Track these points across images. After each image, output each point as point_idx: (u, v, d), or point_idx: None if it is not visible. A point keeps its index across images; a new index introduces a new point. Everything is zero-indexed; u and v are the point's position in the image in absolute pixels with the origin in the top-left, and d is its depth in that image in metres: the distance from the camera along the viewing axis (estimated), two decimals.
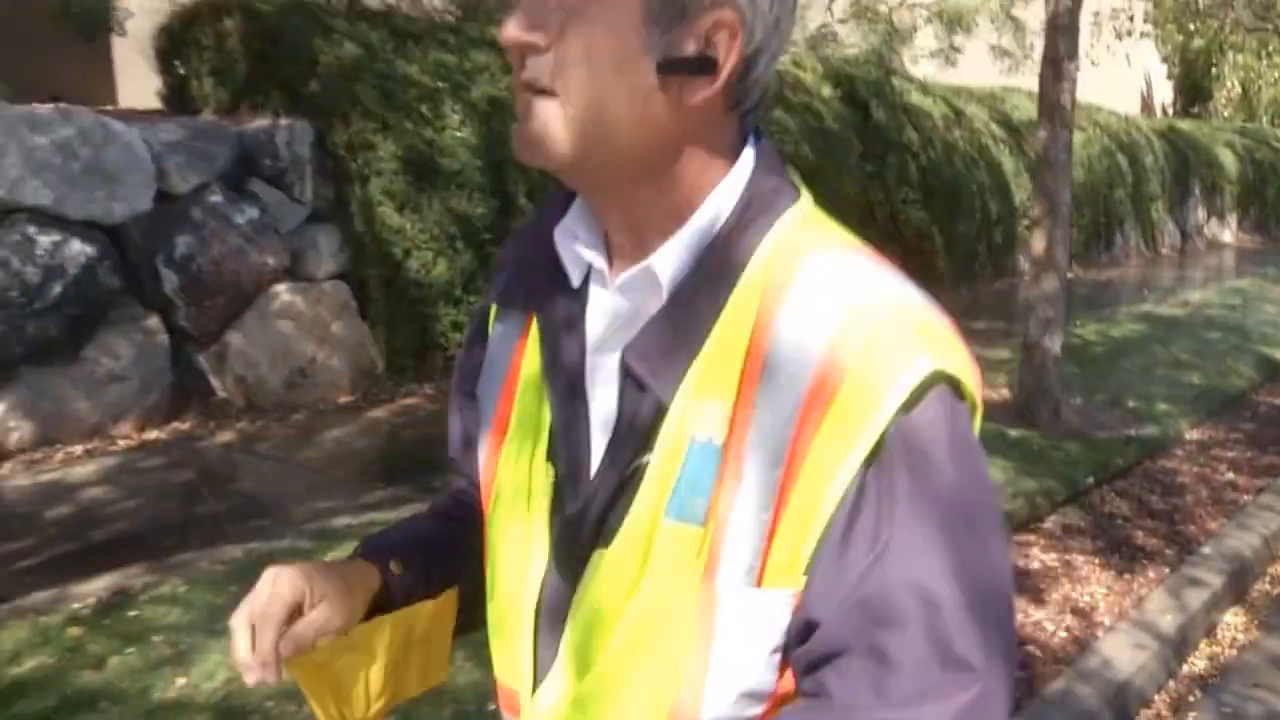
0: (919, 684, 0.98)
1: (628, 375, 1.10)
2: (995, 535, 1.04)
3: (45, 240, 6.58)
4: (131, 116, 7.56)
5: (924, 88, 14.27)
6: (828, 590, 1.02)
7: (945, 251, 13.32)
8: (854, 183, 12.07)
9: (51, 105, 6.81)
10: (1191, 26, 17.21)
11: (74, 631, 3.95)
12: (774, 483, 1.02)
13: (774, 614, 1.05)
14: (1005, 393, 8.50)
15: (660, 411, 1.07)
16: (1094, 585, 5.20)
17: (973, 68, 15.68)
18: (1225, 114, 27.44)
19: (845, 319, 1.02)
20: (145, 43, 9.14)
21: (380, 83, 7.83)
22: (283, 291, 7.60)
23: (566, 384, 1.16)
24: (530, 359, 1.21)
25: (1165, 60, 26.37)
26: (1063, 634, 4.68)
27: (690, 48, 1.03)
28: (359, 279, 7.89)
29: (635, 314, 1.11)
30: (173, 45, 8.51)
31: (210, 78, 8.27)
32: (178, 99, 8.58)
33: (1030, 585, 5.15)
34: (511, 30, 1.05)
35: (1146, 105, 26.79)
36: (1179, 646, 4.78)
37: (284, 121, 7.77)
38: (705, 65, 1.04)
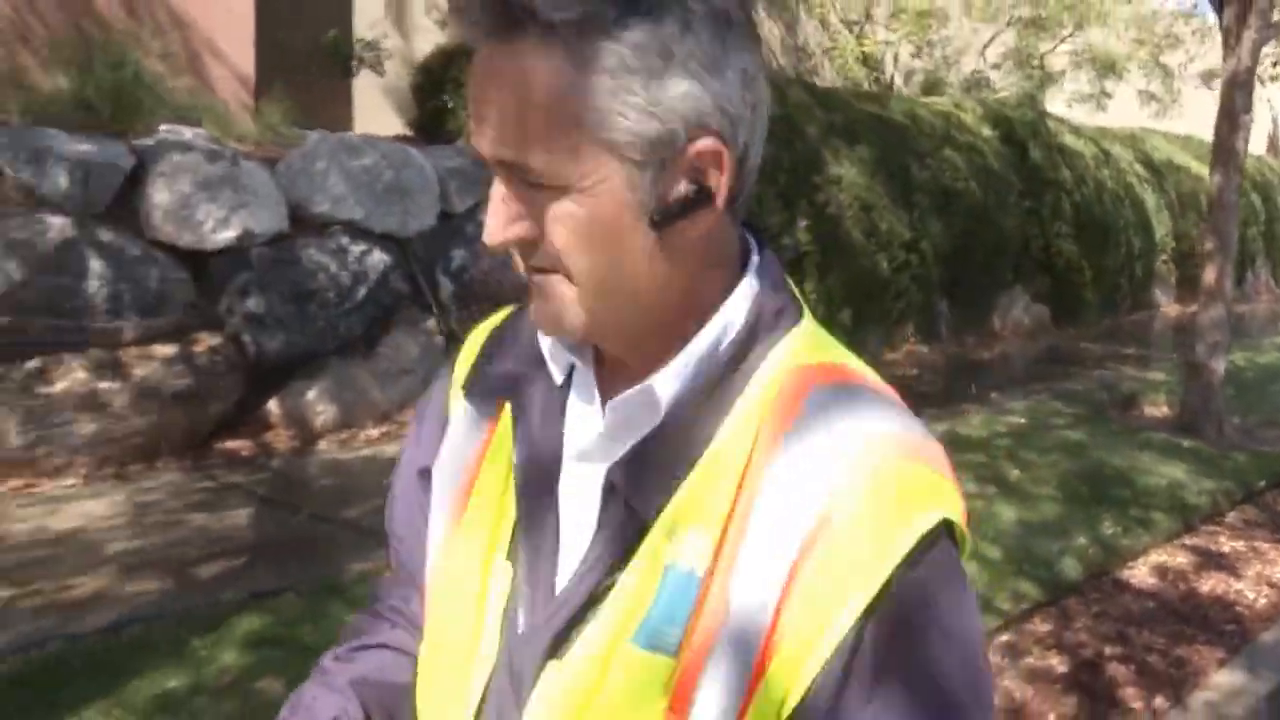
0: None
1: (612, 490, 1.05)
2: (986, 694, 1.01)
3: (355, 249, 7.72)
4: (406, 145, 8.68)
5: (1076, 129, 15.12)
6: None
7: (1092, 283, 14.15)
8: (1013, 218, 12.95)
9: (360, 134, 7.96)
10: None
11: None
12: (763, 625, 0.97)
13: None
14: (1166, 410, 9.36)
15: (641, 532, 1.02)
16: None
17: (1112, 109, 16.49)
18: None
19: (850, 463, 0.98)
20: (389, 79, 10.31)
21: None
22: None
23: (537, 484, 1.11)
24: (498, 449, 1.16)
25: None
26: (1263, 600, 5.55)
27: (681, 189, 0.98)
28: None
29: (624, 427, 1.06)
30: (431, 81, 9.64)
31: (466, 110, 9.37)
32: (430, 128, 9.69)
33: (1227, 563, 6.02)
34: (495, 236, 1.01)
35: (1273, 145, 27.27)
36: None
37: None
38: (701, 197, 0.99)
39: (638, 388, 1.04)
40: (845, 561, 0.96)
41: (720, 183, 0.99)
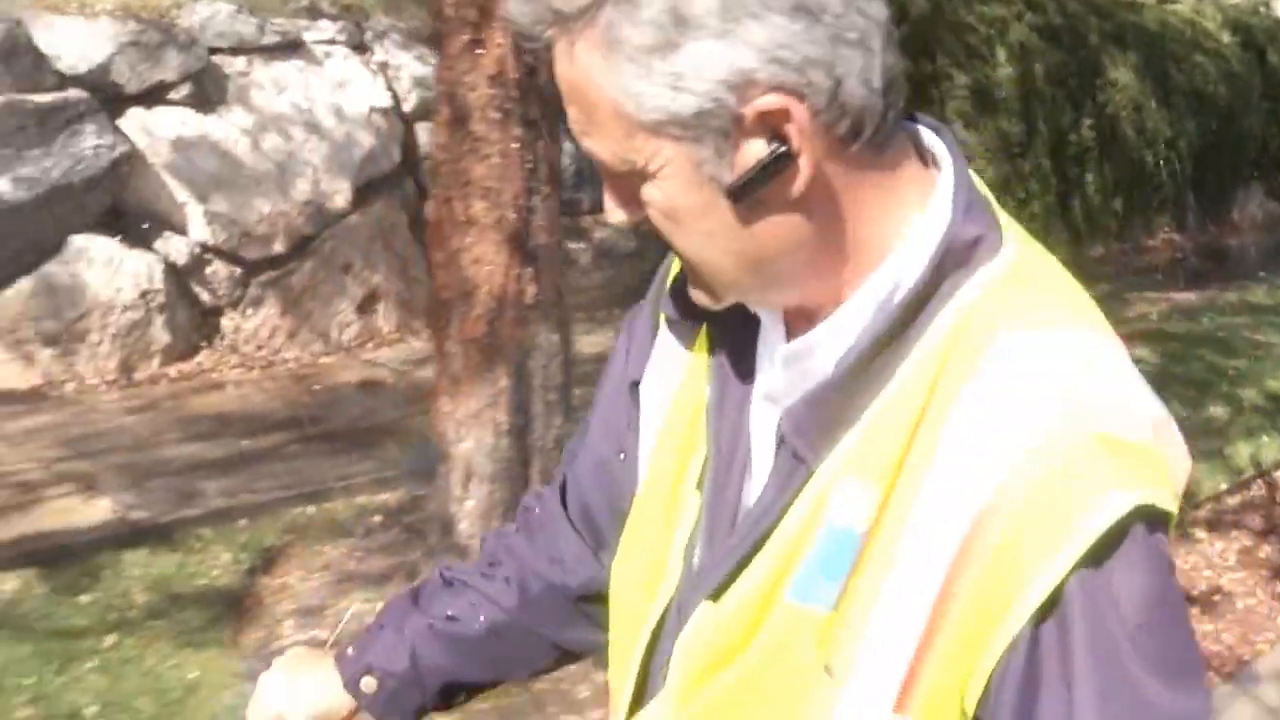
0: None
1: (783, 436, 0.97)
2: (1196, 698, 0.89)
3: None
4: None
5: None
6: None
7: None
8: (1255, 119, 14.10)
9: None
10: None
11: None
12: (928, 598, 0.89)
13: None
14: None
15: (807, 482, 0.95)
16: None
17: None
18: None
19: (1033, 432, 0.86)
20: None
21: (952, 28, 10.30)
22: None
23: (729, 419, 1.06)
24: (693, 376, 1.11)
25: None
26: None
27: (754, 156, 0.88)
28: None
29: (796, 374, 0.98)
30: None
31: None
32: None
33: None
34: (610, 217, 0.99)
35: None
36: None
37: None
38: (782, 159, 0.88)
39: (803, 339, 0.97)
40: (1014, 555, 0.86)
41: (801, 137, 0.87)
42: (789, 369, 0.99)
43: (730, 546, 1.01)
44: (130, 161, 6.62)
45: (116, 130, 6.62)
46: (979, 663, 0.88)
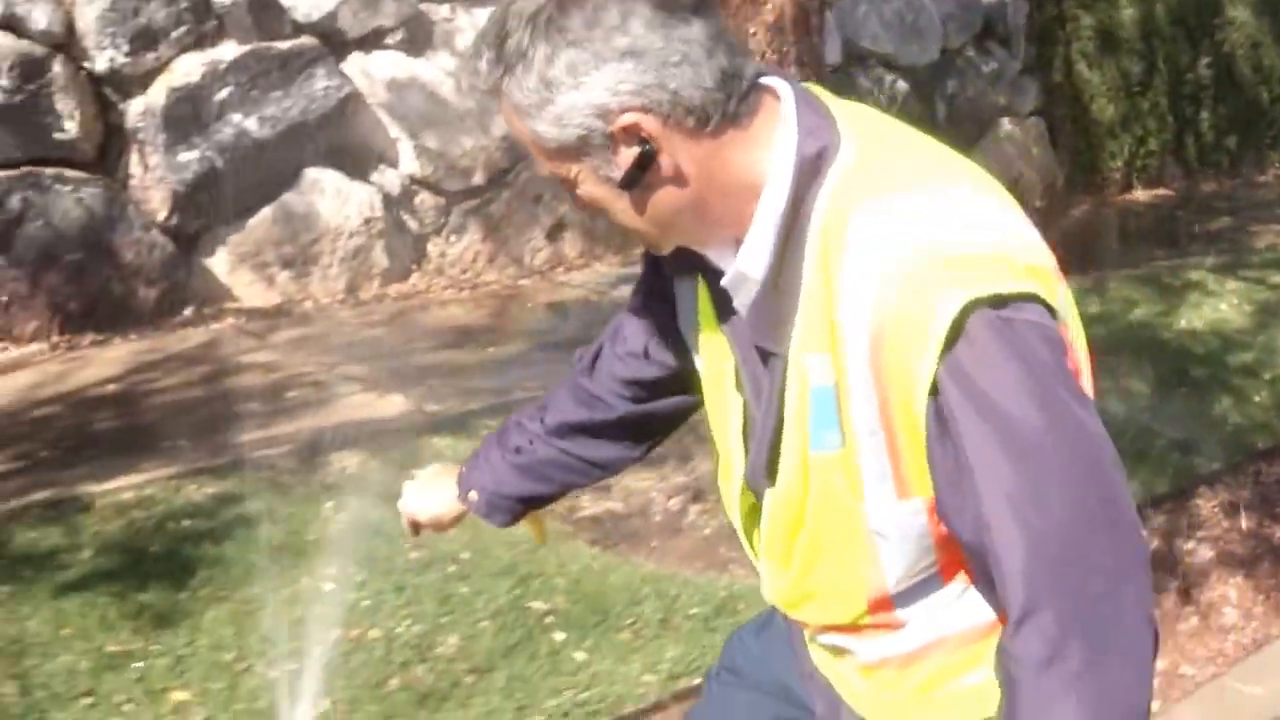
0: (1022, 629, 1.13)
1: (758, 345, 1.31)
2: (1072, 442, 1.13)
3: (887, 78, 9.78)
4: None
5: None
6: (953, 508, 1.19)
7: None
8: None
9: None
10: None
11: None
12: (874, 413, 1.19)
13: (917, 518, 1.25)
14: None
15: (787, 368, 1.27)
16: None
17: None
18: None
19: (880, 275, 1.14)
20: None
21: None
22: (1005, 124, 10.67)
23: (737, 330, 1.37)
24: (705, 299, 1.42)
25: None
26: None
27: (630, 158, 1.19)
28: (1051, 117, 10.90)
29: (741, 295, 1.31)
30: None
31: None
32: None
33: None
34: (575, 208, 1.37)
35: None
36: None
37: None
38: (649, 154, 1.19)
39: (734, 266, 1.27)
40: (900, 363, 1.15)
41: (657, 137, 1.18)
42: (738, 290, 1.29)
43: (764, 432, 1.34)
44: (353, 101, 7.27)
45: (341, 73, 7.27)
46: (919, 441, 1.18)
